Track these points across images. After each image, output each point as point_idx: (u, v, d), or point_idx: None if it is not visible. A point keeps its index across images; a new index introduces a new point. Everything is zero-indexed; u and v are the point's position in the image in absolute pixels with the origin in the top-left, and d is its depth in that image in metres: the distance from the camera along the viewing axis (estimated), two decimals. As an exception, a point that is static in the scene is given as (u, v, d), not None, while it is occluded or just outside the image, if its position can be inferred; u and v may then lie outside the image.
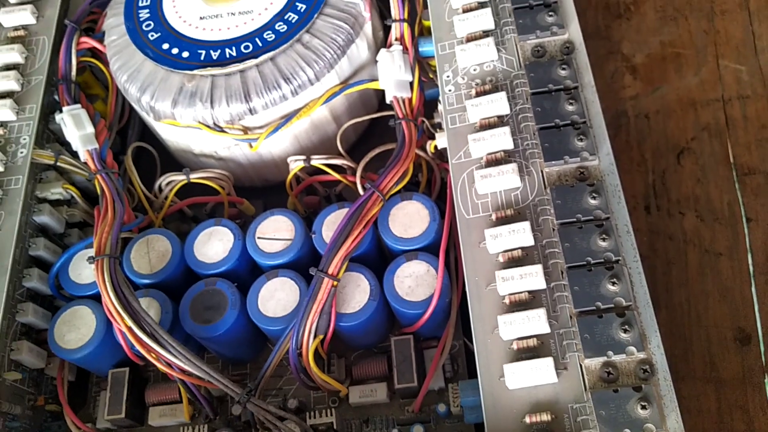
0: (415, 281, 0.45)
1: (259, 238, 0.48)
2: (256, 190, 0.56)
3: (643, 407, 0.35)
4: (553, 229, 0.41)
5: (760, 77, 0.57)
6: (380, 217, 0.47)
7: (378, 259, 0.48)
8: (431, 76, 0.52)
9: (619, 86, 0.59)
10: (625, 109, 0.58)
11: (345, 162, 0.51)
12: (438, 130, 0.49)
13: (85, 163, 0.51)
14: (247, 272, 0.48)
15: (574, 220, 0.41)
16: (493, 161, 0.43)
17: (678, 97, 0.58)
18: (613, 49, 0.61)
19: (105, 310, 0.44)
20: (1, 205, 0.48)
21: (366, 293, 0.45)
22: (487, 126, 0.45)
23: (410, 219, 0.46)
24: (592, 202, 0.41)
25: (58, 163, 0.51)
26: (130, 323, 0.43)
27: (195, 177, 0.52)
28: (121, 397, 0.48)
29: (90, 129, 0.51)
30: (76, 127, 0.51)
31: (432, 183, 0.51)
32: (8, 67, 0.53)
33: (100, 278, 0.44)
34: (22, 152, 0.50)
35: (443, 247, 0.44)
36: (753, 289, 0.51)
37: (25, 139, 0.50)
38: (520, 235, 0.40)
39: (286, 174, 0.52)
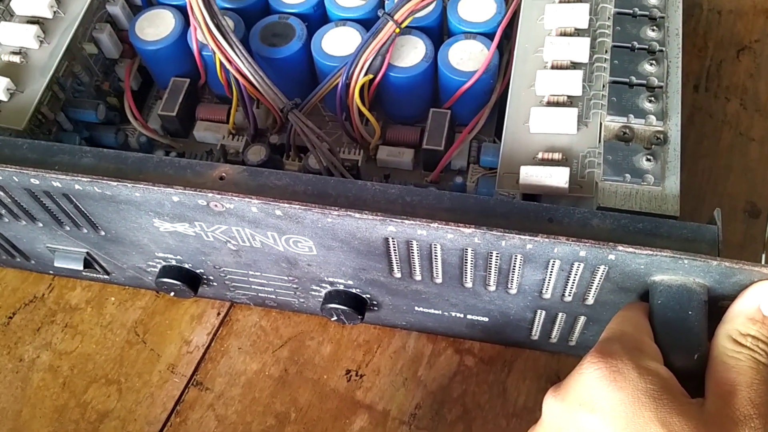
0: (467, 55, 0.48)
1: (337, -7, 0.52)
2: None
3: (648, 160, 0.38)
4: (609, 18, 0.44)
5: (838, 4, 0.59)
6: (451, 1, 0.50)
7: (438, 39, 0.51)
8: None
9: (701, -18, 0.62)
10: (700, 2, 0.61)
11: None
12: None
13: None
14: (319, 21, 0.52)
15: (630, 12, 0.43)
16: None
17: (753, 3, 0.60)
18: (701, -48, 0.63)
19: (187, 5, 0.48)
20: None
21: (421, 54, 0.49)
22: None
23: (478, 7, 0.50)
24: (652, 1, 0.43)
25: None
26: (206, 16, 0.47)
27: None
28: (176, 100, 0.52)
29: None
30: None
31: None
32: None
33: (190, -23, 0.48)
34: None
35: (503, 25, 0.47)
36: (775, 175, 0.53)
37: None
38: (577, 12, 0.44)
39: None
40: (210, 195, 0.37)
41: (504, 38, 0.49)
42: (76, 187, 0.38)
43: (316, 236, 0.38)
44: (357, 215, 0.35)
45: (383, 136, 0.51)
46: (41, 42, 0.48)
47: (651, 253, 0.33)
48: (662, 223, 0.35)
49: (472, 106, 0.50)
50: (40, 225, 0.44)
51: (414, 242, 0.37)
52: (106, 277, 0.50)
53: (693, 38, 0.59)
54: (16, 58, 0.47)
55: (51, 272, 0.51)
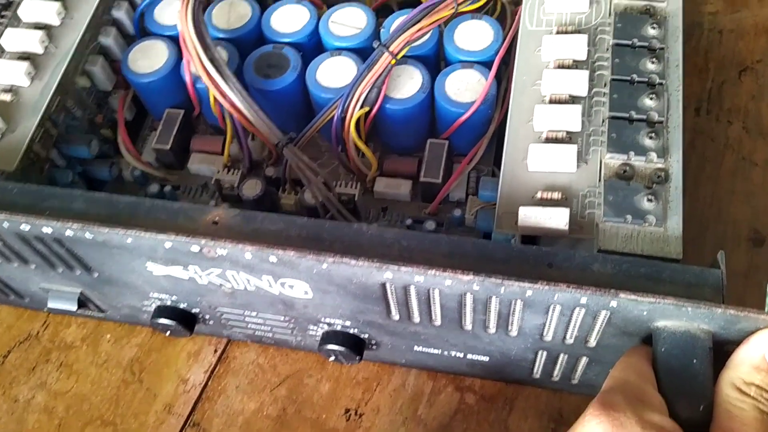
0: (465, 85, 0.47)
1: (332, 21, 0.51)
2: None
3: (650, 200, 0.38)
4: (607, 49, 0.43)
5: (840, 23, 0.58)
6: (447, 29, 0.49)
7: (435, 68, 0.50)
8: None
9: (701, 1, 0.61)
10: (701, 22, 0.60)
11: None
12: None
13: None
14: (314, 50, 0.51)
15: (629, 43, 0.43)
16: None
17: (755, 23, 0.60)
18: (702, -28, 0.63)
19: (180, 37, 0.48)
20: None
21: (417, 85, 0.48)
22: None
23: (475, 35, 0.49)
24: (651, 31, 0.43)
25: None
26: (199, 50, 0.47)
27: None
28: (170, 133, 0.51)
29: None
30: None
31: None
32: None
33: (183, 8, 0.48)
34: None
35: (500, 54, 0.47)
36: (779, 201, 0.52)
37: None
38: (575, 43, 0.43)
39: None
40: (203, 242, 0.36)
41: (502, 64, 0.48)
42: (68, 233, 0.38)
43: (312, 281, 0.38)
44: (353, 262, 0.35)
45: (380, 167, 0.50)
46: (32, 78, 0.47)
47: (653, 300, 0.32)
48: (665, 267, 0.34)
49: (470, 136, 0.49)
50: (33, 267, 0.43)
51: (411, 287, 0.36)
52: (101, 314, 0.49)
53: (694, 59, 0.58)
54: (7, 96, 0.46)
55: (45, 310, 0.50)
